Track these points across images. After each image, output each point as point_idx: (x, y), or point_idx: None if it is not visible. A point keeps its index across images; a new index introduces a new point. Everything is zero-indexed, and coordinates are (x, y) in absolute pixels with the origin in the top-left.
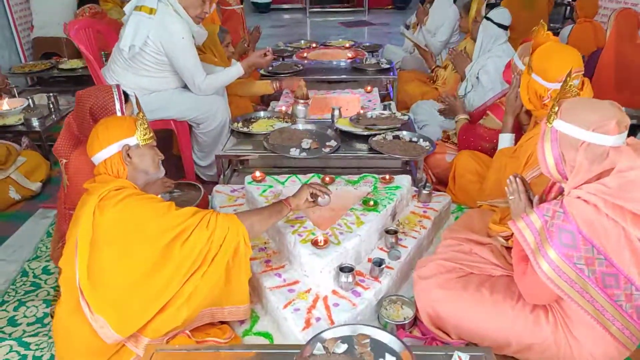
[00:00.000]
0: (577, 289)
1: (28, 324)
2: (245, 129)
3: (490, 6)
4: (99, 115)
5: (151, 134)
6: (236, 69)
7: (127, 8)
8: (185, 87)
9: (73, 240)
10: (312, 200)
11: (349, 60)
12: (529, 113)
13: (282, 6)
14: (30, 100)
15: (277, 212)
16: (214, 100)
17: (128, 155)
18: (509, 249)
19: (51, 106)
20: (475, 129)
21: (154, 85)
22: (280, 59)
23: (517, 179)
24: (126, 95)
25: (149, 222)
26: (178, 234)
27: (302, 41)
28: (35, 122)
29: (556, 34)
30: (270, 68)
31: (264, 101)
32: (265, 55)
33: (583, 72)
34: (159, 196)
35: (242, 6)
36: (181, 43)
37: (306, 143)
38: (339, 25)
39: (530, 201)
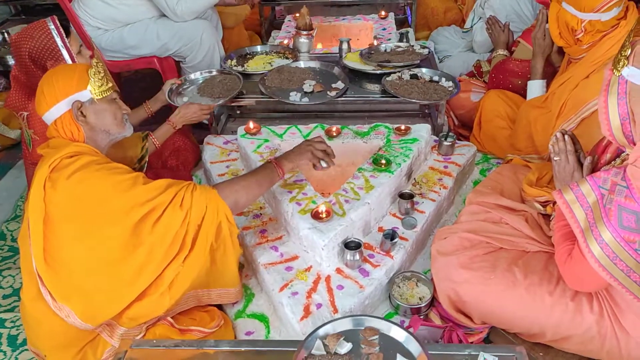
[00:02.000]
0: (635, 278)
1: (4, 297)
2: (239, 68)
3: None
4: (42, 59)
5: (109, 85)
6: None
7: None
8: (163, 15)
9: (26, 217)
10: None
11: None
12: (561, 51)
13: None
14: (5, 34)
15: (267, 180)
16: (198, 26)
17: (81, 113)
18: (546, 216)
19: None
20: (505, 63)
21: (127, 15)
22: None
23: (566, 136)
24: (66, 29)
25: (111, 198)
26: (147, 213)
27: None
28: (11, 61)
29: None
30: None
31: (265, 28)
32: None
33: None
34: None
35: None
36: None
37: (308, 85)
38: None
39: (580, 164)
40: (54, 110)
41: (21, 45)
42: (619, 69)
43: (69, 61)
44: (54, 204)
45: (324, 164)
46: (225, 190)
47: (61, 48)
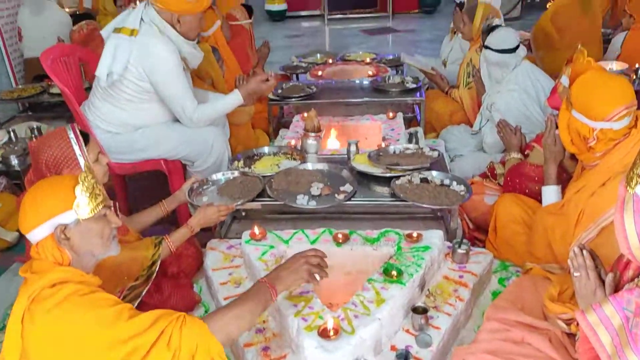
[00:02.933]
0: None
1: None
2: (246, 169)
3: (489, 30)
4: (58, 167)
5: (98, 200)
6: (234, 97)
7: (104, 31)
8: (175, 119)
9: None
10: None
11: (369, 79)
12: (574, 157)
13: (299, 13)
14: (11, 133)
15: (260, 306)
16: (209, 132)
17: (65, 236)
18: (571, 335)
19: (34, 139)
20: (520, 167)
21: (138, 119)
22: (294, 77)
23: (585, 252)
24: (85, 136)
25: (92, 334)
26: (131, 352)
27: (318, 55)
28: (14, 161)
29: (607, 42)
30: (279, 91)
31: (273, 126)
32: (267, 80)
33: (637, 106)
34: None
35: (250, 21)
36: (166, 67)
37: (316, 189)
38: (360, 33)
39: (602, 281)
40: (37, 232)
41: (39, 154)
42: (633, 186)
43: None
44: (32, 340)
45: (317, 277)
46: (217, 323)
47: (78, 157)
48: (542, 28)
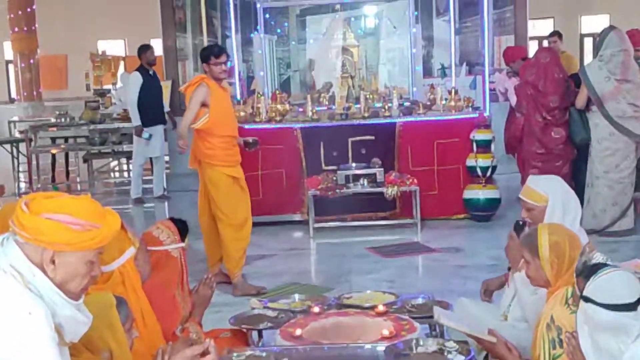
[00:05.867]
0: None
1: None
2: None
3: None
4: None
5: None
6: None
7: None
8: None
9: None
10: None
11: (384, 343)
12: None
13: (268, 219)
14: None
15: None
16: None
17: None
18: None
19: None
20: None
21: None
22: (252, 336)
23: None
24: None
25: None
26: None
27: (297, 296)
28: None
29: None
30: None
31: None
32: (202, 355)
33: None
34: None
35: (183, 245)
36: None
37: None
38: (369, 252)
39: None
40: None
41: None
42: None
43: None
44: None
45: None
46: None
47: None
48: None
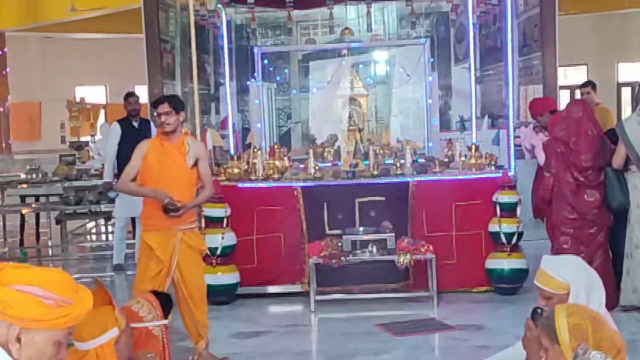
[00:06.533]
0: None
1: None
2: None
3: None
4: None
5: None
6: None
7: None
8: None
9: None
10: None
11: None
12: None
13: (262, 290)
14: None
15: None
16: None
17: None
18: None
19: None
20: None
21: None
22: None
23: None
24: None
25: None
26: None
27: None
28: None
29: None
30: None
31: None
32: None
33: None
34: None
35: (166, 322)
36: None
37: None
38: (378, 330)
39: None
40: None
41: None
42: None
43: None
44: None
45: None
46: None
47: None
48: None
